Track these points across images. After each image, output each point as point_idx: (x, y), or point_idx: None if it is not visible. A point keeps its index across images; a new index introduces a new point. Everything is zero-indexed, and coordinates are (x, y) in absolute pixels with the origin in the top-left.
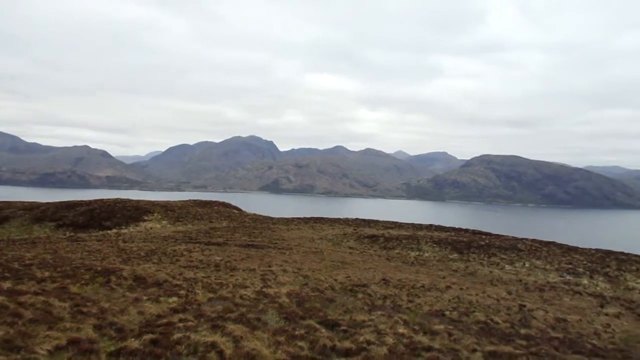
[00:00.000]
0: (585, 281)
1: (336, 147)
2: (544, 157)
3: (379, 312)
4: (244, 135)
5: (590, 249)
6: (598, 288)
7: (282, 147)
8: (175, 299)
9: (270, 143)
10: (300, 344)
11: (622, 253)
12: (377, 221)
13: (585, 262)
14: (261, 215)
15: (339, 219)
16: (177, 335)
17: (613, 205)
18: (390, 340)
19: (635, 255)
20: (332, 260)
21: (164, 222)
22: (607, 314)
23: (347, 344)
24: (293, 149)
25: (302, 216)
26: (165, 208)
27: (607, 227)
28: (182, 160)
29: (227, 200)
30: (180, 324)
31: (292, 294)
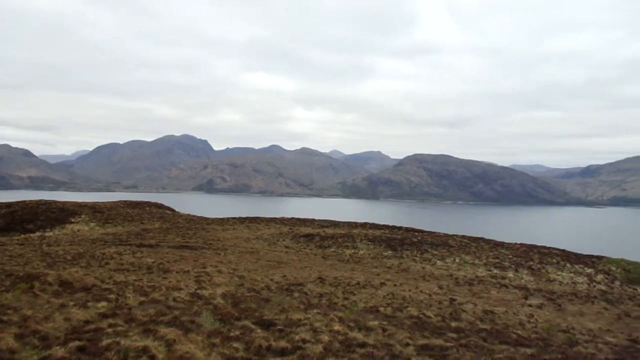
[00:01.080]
0: (511, 274)
1: (272, 146)
2: (473, 156)
3: (315, 311)
4: (178, 134)
5: (516, 243)
6: (522, 281)
7: (217, 147)
8: (104, 303)
9: (205, 142)
10: (235, 345)
11: (544, 247)
12: (313, 220)
13: (510, 257)
14: (195, 216)
15: (275, 218)
16: (106, 341)
17: (536, 202)
18: (325, 337)
19: (556, 249)
20: (268, 260)
21: (92, 224)
22: (530, 305)
23: (282, 343)
24: (228, 148)
25: (237, 216)
26: (94, 209)
27: (531, 223)
28: (112, 160)
29: (159, 201)
30: (110, 330)
31: (227, 294)
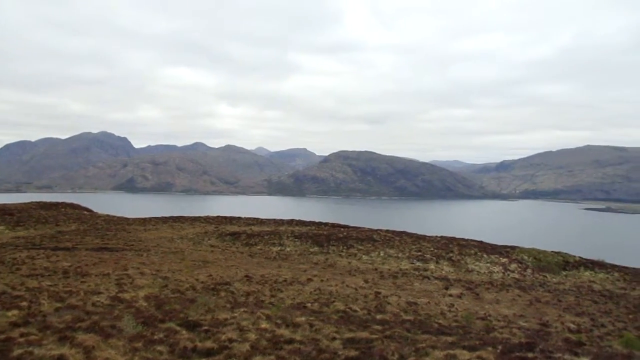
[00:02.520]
0: (432, 266)
1: (195, 143)
2: (395, 153)
3: (242, 309)
4: (95, 131)
5: (436, 236)
6: (443, 272)
7: (138, 144)
8: (15, 311)
9: (124, 139)
10: (159, 348)
11: (463, 239)
12: (239, 218)
13: (432, 249)
14: (115, 216)
15: (200, 217)
16: (17, 352)
17: (455, 196)
18: (252, 336)
19: (474, 241)
20: (193, 260)
21: (0, 227)
22: (451, 295)
23: (208, 343)
24: (149, 146)
25: (160, 215)
26: (2, 211)
27: (450, 216)
28: (22, 159)
29: (76, 201)
30: (22, 339)
31: (150, 297)
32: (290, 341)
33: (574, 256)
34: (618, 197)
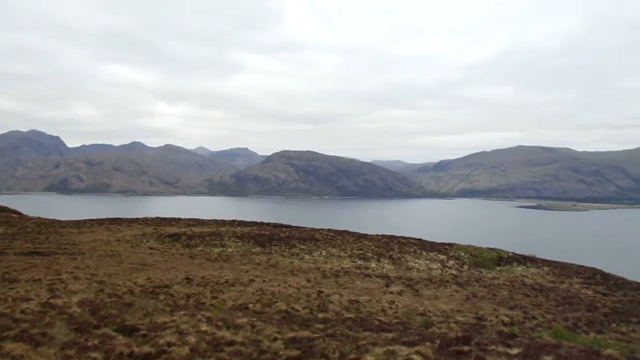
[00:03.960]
0: (373, 264)
1: (133, 143)
2: (337, 152)
3: (182, 312)
4: (24, 129)
5: (378, 235)
6: (384, 270)
7: (71, 143)
8: None
9: (57, 138)
10: (93, 355)
11: (403, 237)
12: (179, 219)
13: (373, 247)
14: (47, 219)
15: (138, 218)
16: None
17: (395, 195)
18: (192, 339)
19: (413, 239)
20: (130, 263)
21: None
22: (391, 292)
23: (146, 348)
24: (84, 145)
25: (96, 217)
26: None
27: (391, 215)
28: None
29: (3, 204)
30: None
31: (84, 302)
32: (231, 343)
33: (508, 252)
34: (548, 195)
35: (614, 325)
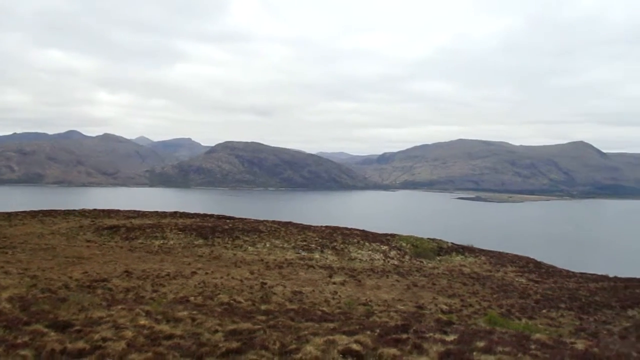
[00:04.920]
0: (317, 255)
1: (70, 131)
2: (282, 144)
3: (120, 307)
4: None
5: (321, 226)
6: (327, 261)
7: (2, 131)
8: None
9: None
10: (23, 352)
11: (346, 228)
12: (118, 211)
13: (317, 239)
14: None
15: (74, 210)
16: None
17: (340, 187)
18: (129, 333)
19: (356, 230)
20: (66, 257)
21: None
22: (334, 283)
23: (80, 344)
24: (15, 134)
25: (28, 209)
26: None
27: (335, 206)
28: None
29: None
30: None
31: (15, 298)
32: (170, 336)
33: (447, 242)
34: (486, 187)
35: (544, 311)
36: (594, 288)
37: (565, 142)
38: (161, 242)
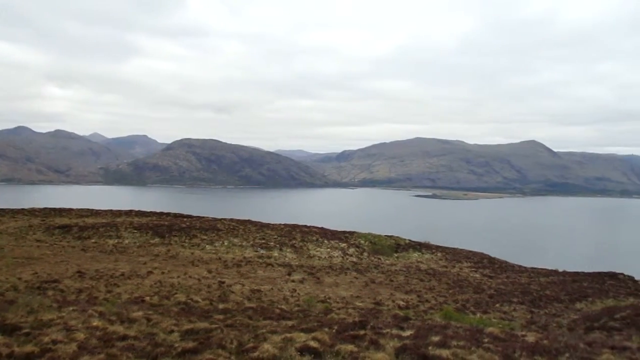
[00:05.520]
0: (276, 253)
1: (18, 127)
2: (240, 141)
3: (71, 308)
4: None
5: (280, 224)
6: (286, 259)
7: None
8: None
9: None
10: None
11: (305, 226)
12: (71, 209)
13: (276, 237)
14: None
15: (23, 209)
16: None
17: (299, 185)
18: (81, 335)
19: (315, 227)
20: (14, 257)
21: None
22: (293, 281)
23: (28, 347)
24: None
25: None
26: None
27: (294, 204)
28: None
29: None
30: None
31: None
32: (124, 337)
33: (405, 239)
34: (442, 185)
35: (497, 305)
36: (545, 282)
37: (518, 141)
38: (116, 241)
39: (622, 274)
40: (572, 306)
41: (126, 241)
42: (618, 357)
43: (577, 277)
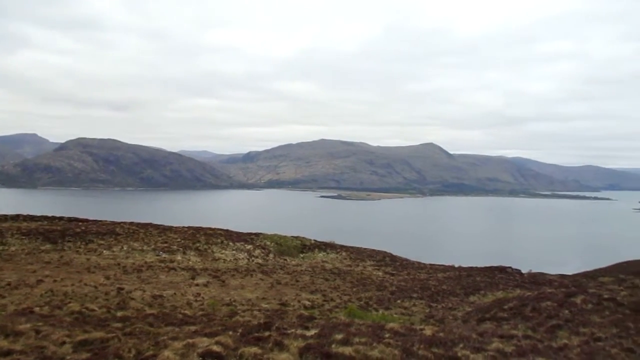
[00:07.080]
0: (179, 257)
1: None
2: (141, 142)
3: None
4: None
5: (184, 227)
6: (190, 262)
7: None
8: None
9: None
10: None
11: (210, 228)
12: None
13: (179, 240)
14: None
15: None
16: None
17: (203, 186)
18: None
19: (220, 229)
20: None
21: None
22: (197, 285)
23: None
24: None
25: None
26: None
27: (198, 206)
28: None
29: None
30: None
31: None
32: (8, 352)
33: (310, 240)
34: (347, 186)
35: (399, 301)
36: (442, 278)
37: (417, 143)
38: (1, 248)
39: (510, 267)
40: (466, 299)
41: (13, 248)
42: (506, 345)
43: (471, 271)
